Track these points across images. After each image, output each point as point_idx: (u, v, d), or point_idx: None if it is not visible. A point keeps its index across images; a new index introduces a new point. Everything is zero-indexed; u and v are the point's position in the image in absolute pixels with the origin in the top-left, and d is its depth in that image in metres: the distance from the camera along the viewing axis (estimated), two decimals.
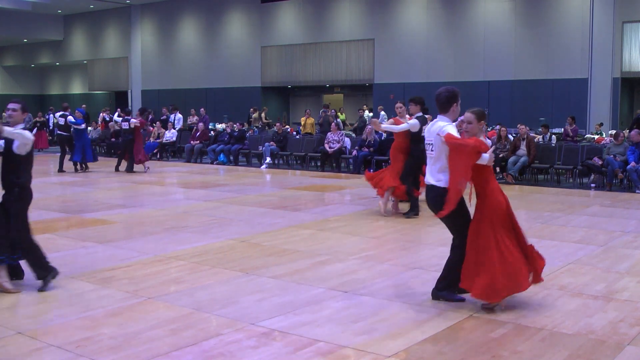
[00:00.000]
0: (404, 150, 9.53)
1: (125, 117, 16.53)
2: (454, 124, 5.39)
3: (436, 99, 5.41)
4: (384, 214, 9.60)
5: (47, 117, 27.00)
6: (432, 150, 5.31)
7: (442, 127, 5.24)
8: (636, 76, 19.90)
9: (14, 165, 5.74)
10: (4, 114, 6.41)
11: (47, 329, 4.75)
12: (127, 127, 16.27)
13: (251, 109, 24.30)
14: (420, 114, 9.40)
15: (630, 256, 7.09)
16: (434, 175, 5.30)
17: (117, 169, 16.36)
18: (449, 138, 5.13)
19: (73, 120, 16.20)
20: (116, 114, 20.78)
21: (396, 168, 9.56)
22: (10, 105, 5.90)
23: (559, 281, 6.04)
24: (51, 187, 13.34)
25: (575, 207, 10.69)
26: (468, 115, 5.32)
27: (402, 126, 9.40)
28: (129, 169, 16.09)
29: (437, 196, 5.26)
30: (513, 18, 21.17)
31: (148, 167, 16.36)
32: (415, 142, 9.29)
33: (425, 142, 5.43)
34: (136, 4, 30.37)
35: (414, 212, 9.50)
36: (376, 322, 4.91)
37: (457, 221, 5.28)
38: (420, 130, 9.00)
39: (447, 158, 5.19)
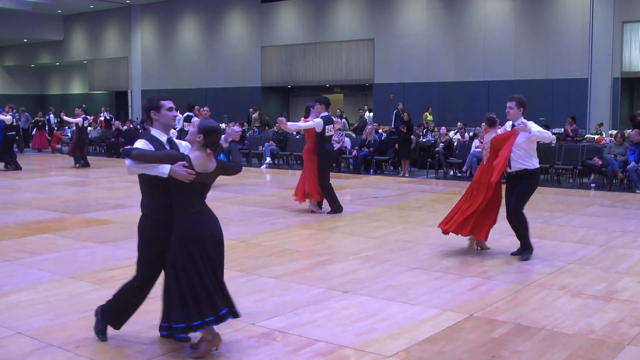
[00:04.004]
0: (314, 150, 9.85)
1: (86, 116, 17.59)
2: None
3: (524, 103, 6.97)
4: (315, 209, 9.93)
5: (47, 117, 27.00)
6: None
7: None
8: (636, 76, 19.87)
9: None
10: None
11: (47, 329, 4.74)
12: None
13: (251, 109, 24.31)
14: (326, 113, 9.77)
15: (630, 256, 7.09)
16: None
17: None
18: None
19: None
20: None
21: (311, 168, 9.81)
22: (171, 104, 4.39)
23: (559, 281, 6.04)
24: (51, 187, 13.34)
25: (575, 207, 10.69)
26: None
27: (308, 124, 9.72)
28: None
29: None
30: (513, 18, 21.16)
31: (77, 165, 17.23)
32: (320, 141, 9.68)
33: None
34: (136, 4, 30.35)
35: (337, 209, 9.80)
36: (376, 322, 4.91)
37: None
38: (324, 129, 9.58)
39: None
